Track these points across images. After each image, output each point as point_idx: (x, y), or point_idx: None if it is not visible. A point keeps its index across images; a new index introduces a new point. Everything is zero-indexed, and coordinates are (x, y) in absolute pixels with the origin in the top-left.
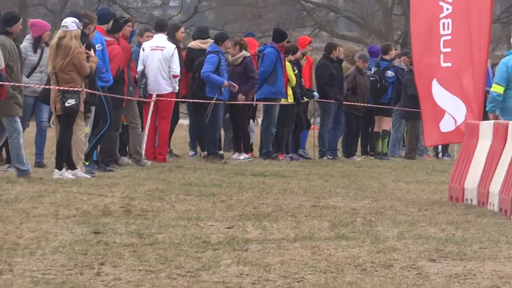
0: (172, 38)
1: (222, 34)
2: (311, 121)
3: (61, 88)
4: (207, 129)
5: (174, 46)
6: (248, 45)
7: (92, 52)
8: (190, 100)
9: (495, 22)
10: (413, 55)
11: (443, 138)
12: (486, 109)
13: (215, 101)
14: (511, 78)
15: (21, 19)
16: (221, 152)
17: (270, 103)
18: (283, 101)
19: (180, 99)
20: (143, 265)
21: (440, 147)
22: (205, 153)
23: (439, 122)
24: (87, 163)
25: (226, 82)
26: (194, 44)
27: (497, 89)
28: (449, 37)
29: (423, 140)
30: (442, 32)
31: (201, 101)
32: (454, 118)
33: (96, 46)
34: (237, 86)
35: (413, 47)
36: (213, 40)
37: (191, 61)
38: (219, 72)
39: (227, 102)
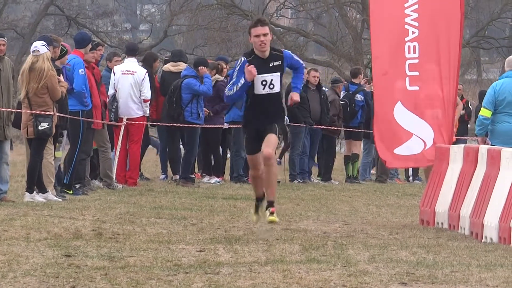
0: (149, 67)
1: (202, 60)
2: (281, 144)
3: (34, 112)
4: (184, 153)
5: (145, 70)
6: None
7: (61, 77)
8: (166, 124)
9: (465, 46)
10: (373, 77)
11: (402, 162)
12: (475, 132)
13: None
14: (499, 102)
15: (1, 38)
16: (193, 176)
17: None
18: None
19: (156, 123)
20: None
21: (410, 170)
22: (177, 176)
23: (399, 144)
24: (70, 192)
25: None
26: (166, 67)
27: (484, 112)
28: (416, 61)
29: (384, 163)
30: (407, 55)
31: (176, 125)
32: (424, 141)
33: (80, 70)
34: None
35: (374, 69)
36: (186, 64)
37: (163, 84)
38: (198, 96)
39: (203, 126)
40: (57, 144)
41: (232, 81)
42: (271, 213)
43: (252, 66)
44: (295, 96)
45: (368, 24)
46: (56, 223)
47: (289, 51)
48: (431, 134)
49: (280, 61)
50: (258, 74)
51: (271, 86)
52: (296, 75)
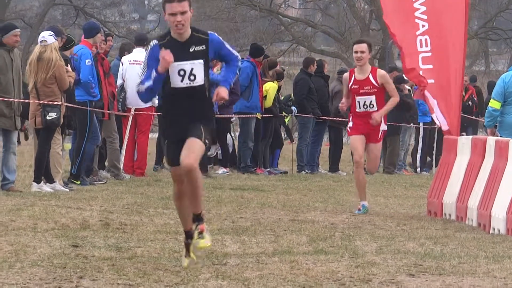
0: None
1: None
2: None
3: (42, 102)
4: None
5: None
6: None
7: (69, 67)
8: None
9: (473, 37)
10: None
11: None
12: (484, 124)
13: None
14: (508, 94)
15: (16, 29)
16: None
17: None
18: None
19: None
20: (122, 279)
21: (418, 161)
22: None
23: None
24: (78, 183)
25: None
26: None
27: (493, 104)
28: (429, 54)
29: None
30: (419, 49)
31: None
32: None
33: (86, 61)
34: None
35: (403, 63)
36: None
37: None
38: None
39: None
40: (65, 136)
41: (142, 73)
42: (200, 233)
43: (166, 51)
44: (222, 92)
45: (375, 14)
46: (63, 213)
47: (219, 37)
48: (444, 124)
49: (203, 46)
50: (174, 61)
51: (192, 77)
52: (227, 68)
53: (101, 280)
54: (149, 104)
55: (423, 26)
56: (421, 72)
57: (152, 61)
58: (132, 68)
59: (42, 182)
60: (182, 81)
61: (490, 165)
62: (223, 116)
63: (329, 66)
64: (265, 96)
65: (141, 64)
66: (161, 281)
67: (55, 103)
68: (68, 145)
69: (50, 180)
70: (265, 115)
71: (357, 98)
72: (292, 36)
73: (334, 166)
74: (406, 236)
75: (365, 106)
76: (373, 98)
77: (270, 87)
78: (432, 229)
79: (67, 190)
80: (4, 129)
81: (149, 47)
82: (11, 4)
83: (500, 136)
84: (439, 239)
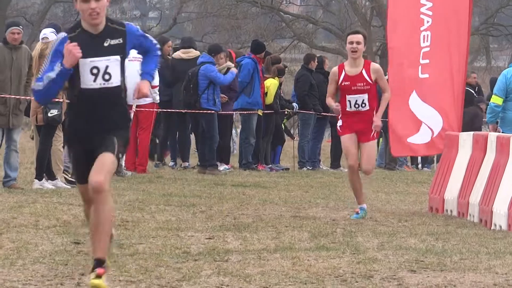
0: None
1: (216, 46)
2: (291, 131)
3: None
4: (204, 141)
5: None
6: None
7: None
8: (189, 111)
9: (474, 33)
10: (389, 68)
11: (412, 150)
12: (486, 120)
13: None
14: (510, 89)
15: (12, 27)
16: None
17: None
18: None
19: (168, 110)
20: (124, 275)
21: (419, 158)
22: (186, 163)
23: (411, 134)
24: None
25: (235, 70)
26: (176, 54)
27: (495, 100)
28: (427, 49)
29: (390, 150)
30: (422, 44)
31: (195, 111)
32: (431, 130)
33: None
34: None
35: (390, 60)
36: (197, 51)
37: (173, 71)
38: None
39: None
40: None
41: (44, 68)
42: (98, 276)
43: (73, 44)
44: (144, 87)
45: (376, 11)
46: (65, 210)
47: (138, 27)
48: (440, 122)
49: (120, 39)
50: (85, 57)
51: (106, 77)
52: (147, 58)
53: (103, 277)
54: (149, 101)
55: (427, 22)
56: (419, 67)
57: (56, 56)
58: (131, 65)
59: (43, 179)
60: (95, 80)
61: (492, 161)
62: (224, 112)
63: (330, 62)
64: (266, 92)
65: (140, 60)
66: (163, 277)
67: (56, 100)
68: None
69: (51, 177)
70: (266, 112)
71: (348, 97)
72: (293, 33)
73: (335, 163)
74: (407, 232)
75: (357, 106)
76: (365, 96)
77: (271, 84)
78: (434, 225)
79: (69, 187)
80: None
81: (56, 39)
82: (13, 1)
83: (502, 132)
84: (440, 235)
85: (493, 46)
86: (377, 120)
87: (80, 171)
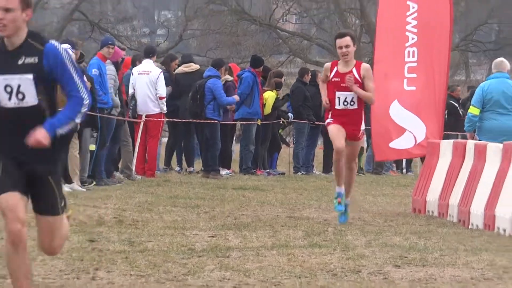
0: (167, 66)
1: (220, 60)
2: (287, 139)
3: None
4: (208, 148)
5: (160, 70)
6: (232, 68)
7: (84, 77)
8: (194, 120)
9: (454, 49)
10: (374, 78)
11: (396, 154)
12: (464, 128)
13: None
14: (486, 101)
15: None
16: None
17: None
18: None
19: (175, 119)
20: (134, 270)
21: (404, 163)
22: (191, 168)
23: (394, 138)
24: (94, 183)
25: (237, 98)
26: (179, 69)
27: (473, 110)
28: (414, 64)
29: (374, 155)
30: (406, 59)
31: (201, 121)
32: (414, 136)
33: (93, 70)
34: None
35: (375, 72)
36: (197, 65)
37: (177, 85)
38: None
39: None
40: (91, 138)
41: None
42: None
43: None
44: (38, 135)
45: (365, 29)
46: (81, 211)
47: (62, 53)
48: (424, 130)
49: (36, 58)
50: None
51: (20, 96)
52: (66, 107)
53: (115, 272)
54: (157, 111)
55: (412, 38)
56: (405, 81)
57: None
58: (141, 78)
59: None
60: (10, 99)
61: (470, 166)
62: (226, 122)
63: None
64: (265, 104)
65: (148, 73)
66: (170, 272)
67: None
68: (93, 146)
69: (68, 181)
70: (264, 122)
71: (337, 94)
72: (289, 49)
73: (327, 168)
74: (392, 231)
75: (345, 103)
76: (354, 94)
77: (269, 96)
78: (416, 225)
79: (84, 190)
80: None
81: None
82: (32, 19)
83: (479, 140)
84: (422, 234)
85: (472, 61)
86: (354, 87)
87: (1, 180)
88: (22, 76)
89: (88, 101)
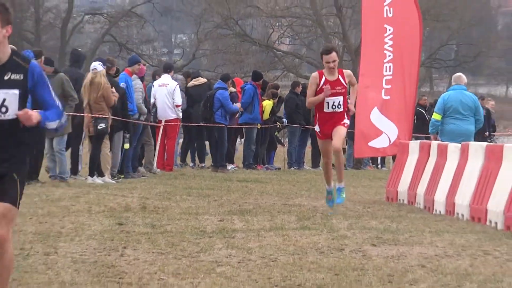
0: (185, 81)
1: (227, 75)
2: (282, 140)
3: (94, 115)
4: (216, 147)
5: (176, 83)
6: (235, 83)
7: (113, 89)
8: (205, 124)
9: (421, 66)
10: (358, 89)
11: (373, 152)
12: (429, 131)
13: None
14: (447, 108)
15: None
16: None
17: (250, 126)
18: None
19: (189, 123)
20: (156, 248)
21: (379, 160)
22: (202, 164)
23: (372, 139)
24: (122, 176)
25: (239, 107)
26: (190, 83)
27: (436, 116)
28: (390, 77)
29: (354, 152)
30: (384, 73)
31: (209, 125)
32: (388, 137)
33: (121, 84)
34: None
35: (359, 84)
36: (204, 78)
37: (190, 96)
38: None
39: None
40: (125, 138)
41: None
42: None
43: None
44: (33, 113)
45: (347, 49)
46: (111, 199)
47: (43, 72)
48: (396, 132)
49: (22, 75)
50: None
51: (3, 109)
52: (45, 111)
53: (140, 250)
54: (174, 116)
55: (389, 56)
56: (383, 91)
57: None
58: (160, 90)
59: (95, 176)
60: None
61: (434, 162)
62: (232, 126)
63: None
64: (263, 110)
65: (166, 86)
66: (185, 250)
67: (104, 116)
68: (127, 145)
69: (101, 174)
70: (263, 125)
71: (327, 99)
72: (284, 65)
73: (315, 164)
74: (370, 216)
75: (333, 107)
76: (341, 98)
77: (267, 104)
78: (390, 211)
79: (114, 182)
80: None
81: None
82: (70, 41)
83: (441, 141)
84: (394, 218)
85: (435, 75)
86: (351, 106)
87: None
88: (8, 91)
89: (63, 112)
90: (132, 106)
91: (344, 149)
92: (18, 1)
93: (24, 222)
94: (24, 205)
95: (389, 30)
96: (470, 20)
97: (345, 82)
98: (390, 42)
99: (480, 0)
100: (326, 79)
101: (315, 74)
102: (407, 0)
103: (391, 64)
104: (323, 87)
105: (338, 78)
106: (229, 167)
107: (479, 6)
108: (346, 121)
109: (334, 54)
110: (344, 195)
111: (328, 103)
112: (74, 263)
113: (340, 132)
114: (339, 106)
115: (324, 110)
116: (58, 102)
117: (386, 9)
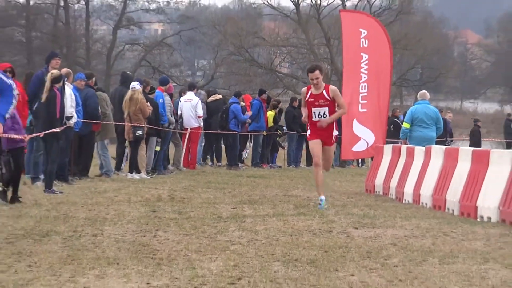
0: (206, 98)
1: (239, 92)
2: (282, 144)
3: (133, 124)
4: (231, 150)
5: (198, 98)
6: (245, 98)
7: (148, 104)
8: (221, 131)
9: (393, 85)
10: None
11: (355, 155)
12: (400, 137)
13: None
14: (414, 119)
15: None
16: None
17: (257, 133)
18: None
19: (208, 131)
20: (182, 231)
21: (360, 160)
22: (219, 163)
23: (354, 144)
24: (155, 173)
25: (248, 120)
26: (209, 99)
27: (405, 125)
28: (365, 94)
29: (340, 155)
30: (360, 91)
31: (225, 132)
32: (366, 142)
33: (160, 100)
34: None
35: (344, 100)
36: (220, 95)
37: (209, 109)
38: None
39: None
40: (157, 142)
41: None
42: None
43: None
44: None
45: (334, 71)
46: (146, 191)
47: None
48: (372, 138)
49: None
50: None
51: None
52: (1, 99)
53: (169, 232)
54: (197, 125)
55: (364, 77)
56: (359, 105)
57: None
58: (186, 104)
59: (134, 172)
60: None
61: (403, 161)
62: (242, 133)
63: None
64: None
65: (190, 101)
66: (205, 232)
67: (141, 125)
68: (158, 148)
69: (138, 171)
70: (268, 132)
71: (313, 109)
72: (284, 85)
73: (309, 163)
74: (352, 204)
75: (320, 116)
76: (326, 109)
77: (270, 115)
78: (368, 200)
79: (148, 177)
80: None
81: None
82: (114, 65)
83: (410, 145)
84: (372, 206)
85: (404, 92)
86: (323, 121)
87: None
88: None
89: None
90: (165, 118)
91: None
92: (72, 33)
93: (76, 209)
94: (77, 196)
95: (365, 57)
96: (432, 49)
97: (329, 96)
98: (366, 67)
99: (440, 33)
100: (311, 93)
101: (304, 89)
102: (379, 34)
103: (366, 84)
104: (309, 99)
105: (322, 93)
106: (240, 166)
107: (439, 38)
108: (335, 132)
109: (317, 72)
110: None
111: (314, 113)
112: (117, 242)
113: (328, 156)
114: (324, 116)
115: (313, 119)
116: (8, 83)
117: (362, 41)
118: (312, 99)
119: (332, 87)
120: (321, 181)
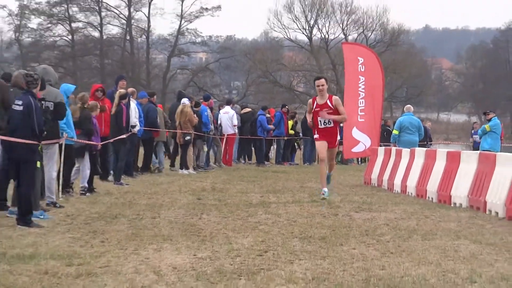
0: (240, 110)
1: (265, 106)
2: (299, 146)
3: (183, 131)
4: (259, 151)
5: (234, 111)
6: (270, 111)
7: (195, 115)
8: (251, 137)
9: (384, 101)
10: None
11: (355, 155)
12: (390, 141)
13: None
14: (401, 127)
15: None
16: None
17: (279, 137)
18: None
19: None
20: (221, 214)
21: (360, 159)
22: (250, 161)
23: (354, 146)
24: (200, 170)
25: (272, 127)
26: (242, 111)
27: (395, 132)
28: (363, 108)
29: (343, 155)
30: (359, 105)
31: (253, 137)
32: (364, 145)
33: (205, 113)
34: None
35: (346, 112)
36: (249, 108)
37: (242, 119)
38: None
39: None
40: (202, 145)
41: None
42: None
43: None
44: None
45: (338, 90)
46: (193, 183)
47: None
48: (369, 142)
49: None
50: None
51: None
52: None
53: (212, 214)
54: (232, 132)
55: (362, 94)
56: (358, 116)
57: None
58: (224, 115)
59: (183, 168)
60: None
61: (393, 160)
62: (267, 138)
63: None
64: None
65: (227, 113)
66: (239, 215)
67: (189, 132)
68: (205, 148)
69: (187, 168)
70: (287, 137)
71: (319, 118)
72: (300, 100)
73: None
74: (353, 193)
75: (325, 123)
76: (330, 117)
77: (289, 124)
78: (366, 190)
79: (195, 173)
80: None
81: None
82: (167, 86)
83: (398, 147)
84: (369, 195)
85: (394, 106)
86: (325, 114)
87: None
88: None
89: None
90: (208, 126)
91: (339, 152)
92: (136, 61)
93: (139, 197)
94: (139, 187)
95: (362, 79)
96: (415, 72)
97: (332, 105)
98: (363, 87)
99: (421, 60)
100: (317, 103)
101: (310, 100)
102: (374, 61)
103: (363, 100)
104: (315, 109)
105: (326, 102)
106: (267, 163)
107: (420, 64)
108: (338, 137)
109: (323, 80)
110: (331, 181)
111: (320, 121)
112: (170, 223)
113: (332, 155)
114: (329, 123)
115: (319, 126)
116: None
117: (360, 66)
118: (318, 109)
119: (335, 97)
120: (324, 175)
